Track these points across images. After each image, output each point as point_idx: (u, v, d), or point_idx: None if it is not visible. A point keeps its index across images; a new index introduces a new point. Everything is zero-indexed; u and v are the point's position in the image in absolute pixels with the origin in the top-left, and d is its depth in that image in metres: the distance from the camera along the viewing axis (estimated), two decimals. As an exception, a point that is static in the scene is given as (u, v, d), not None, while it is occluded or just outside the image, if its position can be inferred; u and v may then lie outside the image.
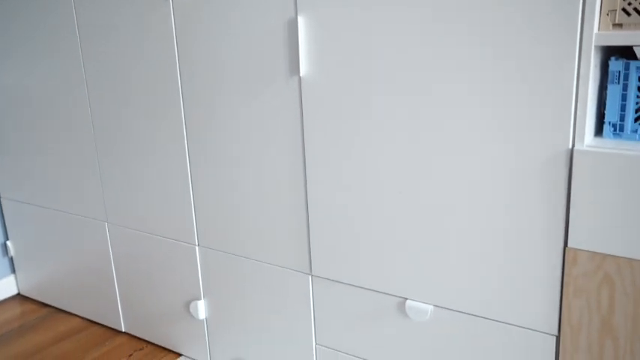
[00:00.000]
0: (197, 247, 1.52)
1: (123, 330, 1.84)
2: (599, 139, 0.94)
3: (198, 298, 1.57)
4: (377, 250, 1.20)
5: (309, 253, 1.30)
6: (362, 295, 1.26)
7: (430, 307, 1.16)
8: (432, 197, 1.10)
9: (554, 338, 1.04)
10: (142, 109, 1.49)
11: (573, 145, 0.92)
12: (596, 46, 0.90)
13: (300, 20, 1.15)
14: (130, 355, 1.73)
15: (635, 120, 0.90)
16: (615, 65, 0.90)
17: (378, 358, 1.29)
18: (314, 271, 1.31)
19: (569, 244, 0.97)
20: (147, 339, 1.79)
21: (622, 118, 0.91)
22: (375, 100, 1.10)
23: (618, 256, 0.93)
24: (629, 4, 0.85)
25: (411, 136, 1.08)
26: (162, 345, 1.75)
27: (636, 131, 0.90)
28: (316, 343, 1.38)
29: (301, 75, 1.18)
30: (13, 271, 2.11)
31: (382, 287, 1.22)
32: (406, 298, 1.19)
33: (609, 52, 0.97)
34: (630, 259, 0.92)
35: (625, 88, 0.89)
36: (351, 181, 1.19)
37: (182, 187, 1.48)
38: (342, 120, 1.16)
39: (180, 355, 1.71)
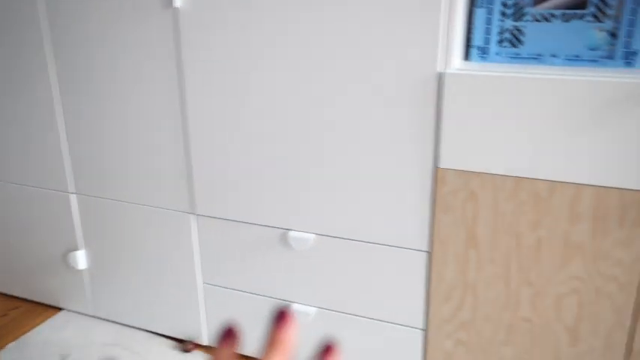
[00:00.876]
0: (72, 195, 1.43)
1: (-6, 289, 1.71)
2: (467, 63, 0.99)
3: (77, 249, 1.48)
4: (258, 185, 1.20)
5: (192, 192, 1.27)
6: (246, 230, 1.26)
7: (312, 236, 1.19)
8: (308, 129, 1.10)
9: (427, 254, 1.11)
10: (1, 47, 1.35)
11: (443, 69, 0.97)
12: (459, -25, 0.94)
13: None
14: (5, 315, 1.61)
15: (499, 43, 0.96)
16: (477, -6, 0.95)
17: (265, 290, 1.30)
18: (198, 210, 1.29)
19: (439, 165, 1.02)
20: (23, 296, 1.67)
21: (487, 42, 0.96)
22: (256, 32, 1.08)
23: (482, 173, 1.00)
24: None
25: (290, 70, 1.08)
26: (41, 301, 1.64)
27: (499, 54, 0.96)
28: (203, 282, 1.37)
29: (177, 6, 1.13)
30: None
31: (265, 220, 1.22)
32: (288, 229, 1.21)
33: (471, -16, 1.02)
34: (492, 175, 0.99)
35: (490, 12, 0.94)
36: (232, 118, 1.17)
37: (52, 131, 1.38)
38: (222, 55, 1.12)
39: (61, 309, 1.62)
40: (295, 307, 1.27)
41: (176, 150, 1.25)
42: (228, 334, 0.37)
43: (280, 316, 0.37)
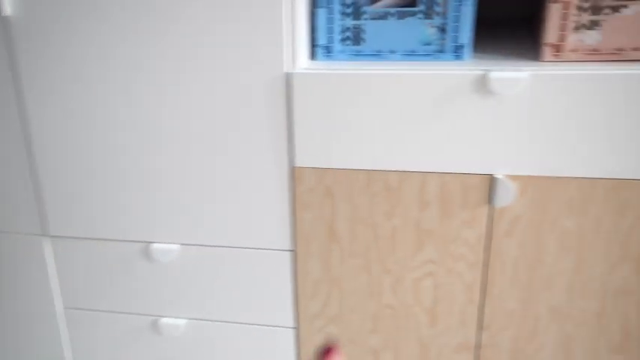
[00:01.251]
0: None
1: None
2: (313, 62, 1.01)
3: None
4: (114, 200, 1.14)
5: (43, 212, 1.18)
6: (106, 247, 1.19)
7: (176, 247, 1.15)
8: (160, 138, 1.07)
9: (291, 253, 1.12)
10: None
11: (290, 69, 0.97)
12: (298, -23, 0.95)
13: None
14: None
15: (341, 41, 0.98)
16: (317, -5, 0.97)
17: (132, 307, 1.23)
18: (51, 231, 1.20)
19: (295, 164, 1.03)
20: None
21: (330, 41, 0.98)
22: (98, 41, 1.02)
23: (335, 169, 1.02)
24: None
25: (137, 80, 1.03)
26: None
27: (343, 52, 0.99)
28: (64, 307, 1.27)
29: (7, 14, 1.04)
30: None
31: (125, 235, 1.16)
32: (151, 242, 1.16)
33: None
34: (345, 170, 1.02)
35: (331, 11, 0.96)
36: (80, 131, 1.09)
37: None
38: (63, 64, 1.05)
39: None
40: (164, 321, 1.22)
41: (20, 167, 1.15)
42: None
43: (326, 352, 0.37)
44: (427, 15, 0.94)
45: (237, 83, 0.99)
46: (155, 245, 1.15)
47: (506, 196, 0.96)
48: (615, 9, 0.87)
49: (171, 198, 1.11)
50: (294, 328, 1.18)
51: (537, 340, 1.08)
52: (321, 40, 0.98)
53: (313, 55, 1.03)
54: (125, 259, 1.19)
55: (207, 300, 1.19)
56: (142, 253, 1.17)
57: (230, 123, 1.03)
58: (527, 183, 0.96)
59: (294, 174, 1.04)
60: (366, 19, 0.96)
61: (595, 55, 0.89)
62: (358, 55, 0.97)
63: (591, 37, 0.89)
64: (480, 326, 1.09)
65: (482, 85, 0.90)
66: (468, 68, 0.91)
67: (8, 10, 1.03)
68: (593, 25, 0.88)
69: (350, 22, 0.97)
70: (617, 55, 0.89)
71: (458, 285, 1.06)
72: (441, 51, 0.94)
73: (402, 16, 0.95)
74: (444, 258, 1.05)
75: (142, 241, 1.16)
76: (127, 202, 1.13)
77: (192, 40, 0.98)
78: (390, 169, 1.00)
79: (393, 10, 0.95)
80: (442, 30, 0.94)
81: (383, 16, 0.95)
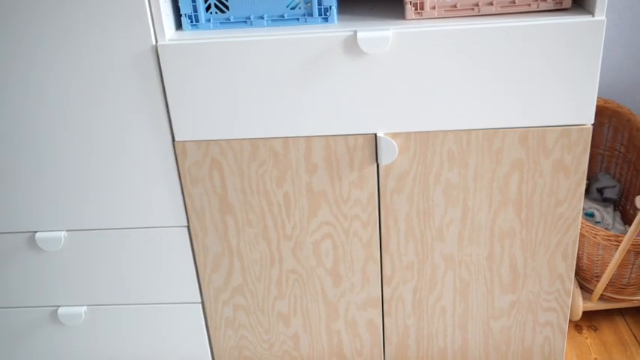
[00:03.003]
0: None
1: None
2: (180, 33, 1.01)
3: None
4: (-5, 189, 1.12)
5: None
6: (-8, 241, 1.18)
7: (62, 234, 1.15)
8: (37, 125, 1.05)
9: (186, 229, 1.14)
10: None
11: (156, 41, 0.98)
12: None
13: None
14: None
15: (207, 10, 0.99)
16: (180, -40, 0.96)
17: (26, 300, 1.24)
18: None
19: (176, 138, 1.05)
20: None
21: (195, 10, 0.99)
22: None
23: (219, 140, 1.05)
24: None
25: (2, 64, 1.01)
26: None
27: (210, 20, 1.00)
28: (-45, 308, 1.26)
29: None
30: None
31: (7, 227, 1.15)
32: (35, 231, 1.16)
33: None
34: (229, 140, 1.04)
35: (191, -20, 0.97)
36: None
37: None
38: None
39: None
40: (63, 310, 1.23)
41: None
42: None
43: None
44: (295, -24, 0.96)
45: (108, 60, 0.99)
46: (40, 234, 1.15)
47: (390, 153, 1.02)
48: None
49: (52, 184, 1.11)
50: (200, 303, 1.22)
51: (437, 289, 1.16)
52: (185, 9, 0.99)
53: (180, 26, 1.03)
54: (12, 251, 1.18)
55: (107, 284, 1.21)
56: (28, 244, 1.17)
57: (105, 102, 1.02)
58: (407, 139, 1.02)
59: (177, 148, 1.05)
60: (233, -17, 0.97)
61: (454, 11, 0.95)
62: (226, 23, 0.99)
63: (458, -10, 0.95)
64: (382, 281, 1.17)
65: (351, 45, 0.94)
66: (336, 30, 0.94)
67: None
68: (457, -23, 0.93)
69: (217, -12, 0.98)
70: (472, 11, 0.94)
71: (356, 244, 1.13)
72: (310, 14, 0.96)
73: (270, -22, 0.96)
74: (339, 219, 1.10)
75: (26, 232, 1.16)
76: (7, 192, 1.12)
77: (57, 22, 0.97)
78: (273, 135, 1.03)
79: (260, -28, 0.96)
80: (312, -9, 0.96)
81: (250, -20, 0.97)
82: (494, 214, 1.08)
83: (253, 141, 1.04)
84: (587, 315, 1.50)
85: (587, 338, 1.43)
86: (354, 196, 1.08)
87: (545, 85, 0.96)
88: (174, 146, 1.06)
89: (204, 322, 1.24)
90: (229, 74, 0.98)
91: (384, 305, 1.19)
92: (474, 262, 1.13)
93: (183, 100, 1.01)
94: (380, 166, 1.05)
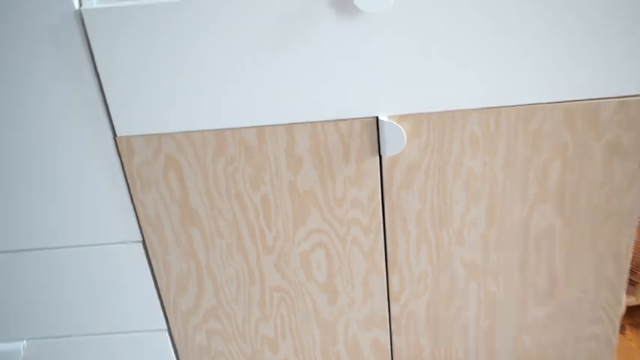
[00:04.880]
0: None
1: None
2: (113, -5, 0.80)
3: None
4: None
5: None
6: None
7: (-11, 255, 0.96)
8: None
9: (140, 244, 0.95)
10: None
11: (80, 4, 0.77)
12: None
13: None
14: None
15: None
16: None
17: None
18: None
19: (118, 133, 0.85)
20: None
21: (130, -37, 0.78)
22: None
23: (175, 133, 0.85)
24: None
25: None
26: None
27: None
28: None
29: None
30: None
31: None
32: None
33: None
34: (188, 133, 0.84)
35: None
36: None
37: None
38: None
39: None
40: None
41: None
42: None
43: None
44: None
45: (16, 31, 0.78)
46: (-40, 258, 0.95)
47: (397, 142, 0.82)
48: None
49: (-33, 195, 0.91)
50: (166, 330, 1.04)
51: (456, 303, 0.99)
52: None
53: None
54: None
55: (51, 314, 1.02)
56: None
57: (20, 88, 0.82)
58: (418, 123, 0.83)
59: (121, 145, 0.85)
60: None
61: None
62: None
63: None
64: (389, 296, 0.99)
65: (344, 1, 0.74)
66: (321, -19, 0.73)
67: None
68: None
69: None
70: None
71: (355, 254, 0.94)
72: (285, -40, 0.76)
73: None
74: (333, 224, 0.92)
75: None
76: None
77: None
78: (244, 124, 0.83)
79: None
80: None
81: None
82: (530, 210, 0.89)
83: (218, 132, 0.84)
84: (631, 312, 1.33)
85: (631, 340, 1.27)
86: (351, 196, 0.89)
87: (598, 45, 0.77)
88: (116, 143, 0.85)
89: (173, 352, 1.06)
90: (182, 45, 0.78)
91: (392, 323, 1.02)
92: (502, 269, 0.95)
93: (123, 82, 0.80)
94: (383, 157, 0.86)
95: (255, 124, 0.83)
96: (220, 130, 0.84)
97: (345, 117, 0.82)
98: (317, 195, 0.89)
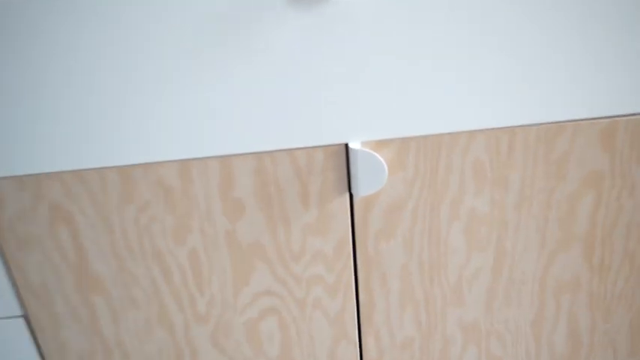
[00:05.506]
0: None
1: None
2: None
3: None
4: None
5: None
6: None
7: None
8: None
9: (22, 319, 0.70)
10: None
11: None
12: None
13: None
14: None
15: None
16: None
17: None
18: None
19: (-25, 173, 0.60)
20: None
21: None
22: None
23: (60, 172, 0.60)
24: None
25: None
26: None
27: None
28: None
29: None
30: None
31: None
32: None
33: None
34: (77, 172, 0.60)
35: None
36: None
37: None
38: None
39: None
40: None
41: None
42: None
43: None
44: None
45: None
46: None
47: (374, 175, 0.60)
48: None
49: None
50: (70, 422, 0.80)
51: (450, 371, 0.78)
52: None
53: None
54: None
55: None
56: None
57: None
58: (403, 150, 0.61)
59: (-17, 192, 0.61)
60: None
61: None
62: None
63: None
64: (363, 369, 0.77)
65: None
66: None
67: None
68: None
69: None
70: None
71: (319, 320, 0.72)
72: None
73: None
74: (287, 285, 0.69)
75: None
76: None
77: None
78: (161, 158, 0.60)
79: None
80: None
81: None
82: (549, 259, 0.69)
83: (124, 169, 0.60)
84: None
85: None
86: (311, 248, 0.67)
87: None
88: (-27, 188, 0.61)
89: None
90: (66, 45, 0.53)
91: (368, 398, 0.80)
92: (511, 330, 0.75)
93: (-27, 103, 0.55)
94: (355, 197, 0.64)
95: (177, 158, 0.60)
96: (126, 166, 0.60)
97: (303, 145, 0.60)
98: (265, 247, 0.66)
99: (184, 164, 0.60)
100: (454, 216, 0.65)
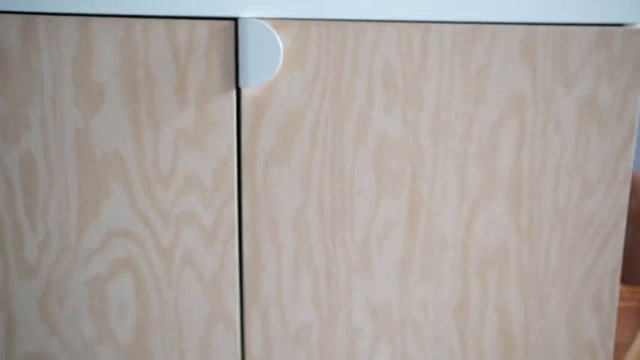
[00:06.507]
0: None
1: None
2: None
3: None
4: None
5: None
6: None
7: None
8: None
9: None
10: None
11: None
12: None
13: None
14: None
15: None
16: None
17: None
18: None
19: None
20: None
21: None
22: None
23: None
24: None
25: None
26: None
27: None
28: None
29: None
30: None
31: None
32: None
33: None
34: None
35: None
36: None
37: None
38: None
39: None
40: None
41: None
42: None
43: None
44: None
45: None
46: None
47: (267, 58, 0.51)
48: None
49: None
50: None
51: (355, 384, 0.61)
52: None
53: None
54: None
55: None
56: None
57: None
58: (304, 35, 0.53)
59: None
60: None
61: None
62: None
63: None
64: (242, 372, 0.60)
65: None
66: None
67: None
68: None
69: None
70: None
71: (188, 282, 0.56)
72: None
73: None
74: (150, 221, 0.54)
75: None
76: None
77: None
78: None
79: None
80: None
81: None
82: (471, 213, 0.58)
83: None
84: None
85: None
86: (184, 169, 0.54)
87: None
88: None
89: None
90: None
91: None
92: (430, 319, 0.61)
93: None
94: (243, 96, 0.53)
95: (19, 9, 0.49)
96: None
97: (184, 13, 0.51)
98: (125, 161, 0.53)
99: (29, 21, 0.49)
100: (361, 139, 0.55)
